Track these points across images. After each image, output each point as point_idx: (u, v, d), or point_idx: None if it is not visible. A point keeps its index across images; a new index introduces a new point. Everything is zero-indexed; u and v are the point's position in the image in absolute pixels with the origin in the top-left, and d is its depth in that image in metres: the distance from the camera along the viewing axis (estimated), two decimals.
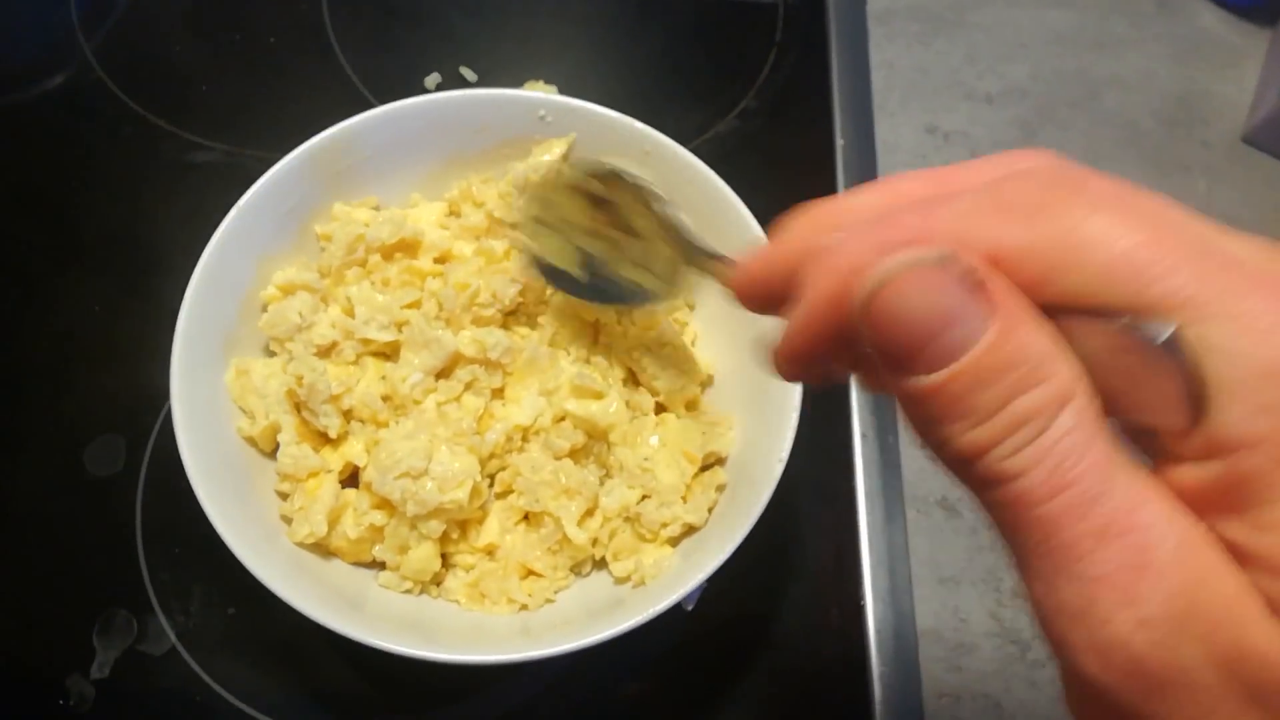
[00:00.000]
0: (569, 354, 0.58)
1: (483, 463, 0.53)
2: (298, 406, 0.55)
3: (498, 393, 0.57)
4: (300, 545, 0.53)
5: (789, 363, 0.31)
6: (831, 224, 0.29)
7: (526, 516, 0.55)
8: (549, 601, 0.55)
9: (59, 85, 0.77)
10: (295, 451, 0.53)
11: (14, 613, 0.60)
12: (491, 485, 0.55)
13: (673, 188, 0.57)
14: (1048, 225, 0.24)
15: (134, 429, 0.64)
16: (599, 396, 0.55)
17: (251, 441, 0.55)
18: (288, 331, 0.56)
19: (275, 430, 0.54)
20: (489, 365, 0.55)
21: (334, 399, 0.55)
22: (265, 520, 0.53)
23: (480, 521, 0.55)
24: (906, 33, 0.83)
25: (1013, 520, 0.24)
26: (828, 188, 0.79)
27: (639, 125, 0.59)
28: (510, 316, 0.59)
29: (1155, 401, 0.24)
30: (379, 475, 0.51)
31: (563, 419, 0.56)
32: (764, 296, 0.32)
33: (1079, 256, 0.24)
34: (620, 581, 0.55)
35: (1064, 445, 0.23)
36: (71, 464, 0.63)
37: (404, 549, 0.54)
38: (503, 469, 0.55)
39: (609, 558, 0.55)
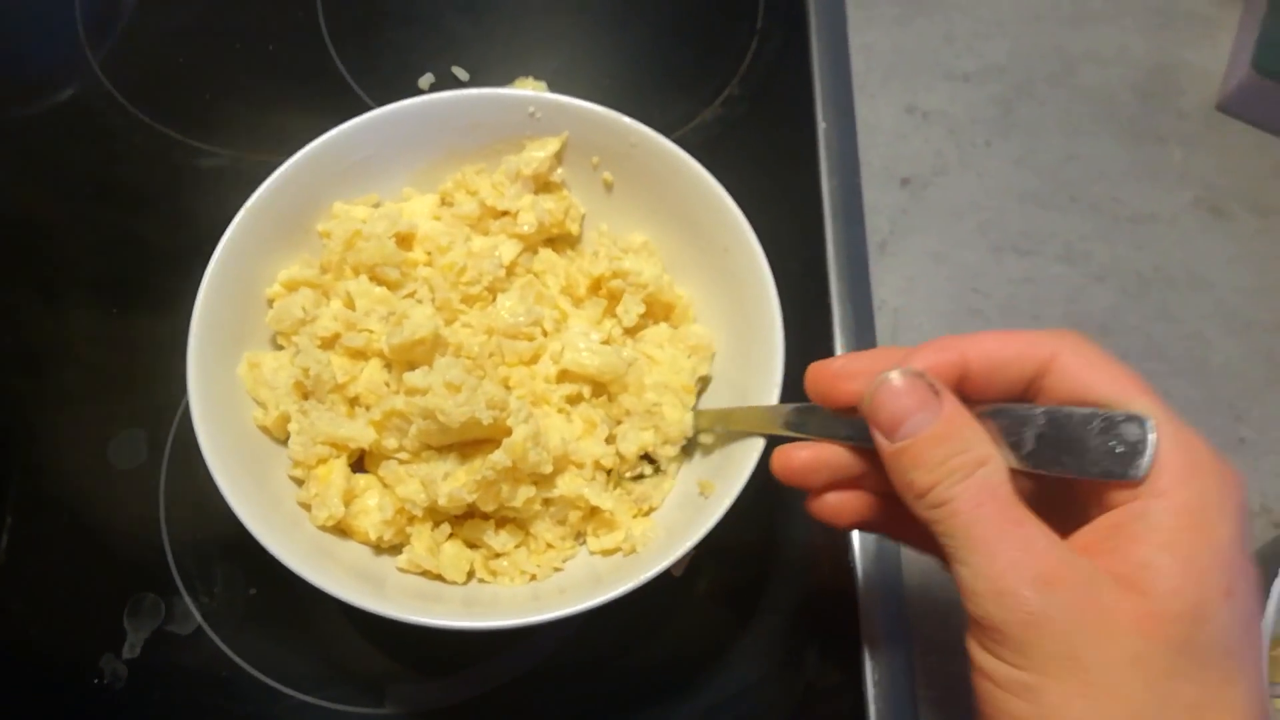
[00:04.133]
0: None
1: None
2: (305, 396, 0.58)
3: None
4: (321, 529, 0.56)
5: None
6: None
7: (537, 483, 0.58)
8: (556, 570, 0.58)
9: (68, 98, 0.80)
10: (306, 439, 0.56)
11: (49, 598, 0.63)
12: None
13: (660, 180, 0.61)
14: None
15: (155, 424, 0.68)
16: (598, 354, 0.59)
17: (265, 430, 0.58)
18: (292, 326, 0.59)
19: (286, 419, 0.57)
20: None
21: (339, 387, 0.58)
22: (283, 505, 0.57)
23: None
24: (885, 16, 0.85)
25: (949, 529, 0.39)
26: (810, 169, 0.81)
27: (625, 120, 0.61)
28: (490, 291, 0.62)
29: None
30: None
31: (563, 378, 0.60)
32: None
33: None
34: (610, 553, 0.58)
35: (980, 483, 0.39)
36: (97, 459, 0.67)
37: (433, 550, 0.57)
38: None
39: (591, 534, 0.59)
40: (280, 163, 0.59)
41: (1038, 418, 0.41)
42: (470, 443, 0.56)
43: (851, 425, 0.47)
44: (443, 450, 0.57)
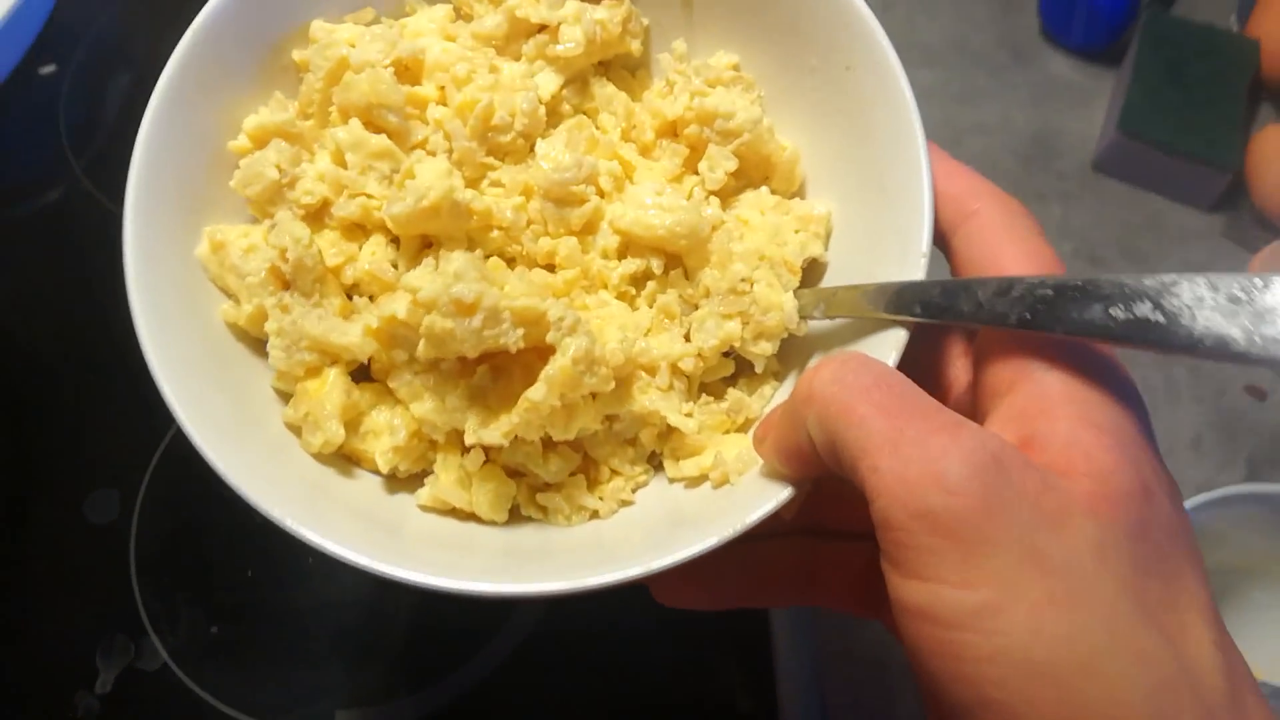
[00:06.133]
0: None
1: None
2: (286, 285, 0.43)
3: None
4: (317, 458, 0.43)
5: None
6: None
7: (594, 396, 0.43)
8: (625, 504, 0.44)
9: (55, 200, 0.84)
10: (288, 343, 0.42)
11: (28, 640, 0.67)
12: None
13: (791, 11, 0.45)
14: None
15: (127, 483, 0.71)
16: (669, 211, 0.44)
17: (238, 329, 0.44)
18: (266, 191, 0.44)
19: (265, 316, 0.43)
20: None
21: (332, 272, 0.43)
22: (267, 428, 0.43)
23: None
24: None
25: (862, 428, 0.32)
26: None
27: None
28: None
29: None
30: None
31: (626, 250, 0.45)
32: None
33: None
34: (695, 482, 0.44)
35: (888, 376, 0.33)
36: (73, 515, 0.70)
37: (464, 482, 0.43)
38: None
39: (668, 456, 0.45)
40: None
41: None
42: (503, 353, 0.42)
43: (1027, 301, 0.33)
44: (469, 364, 0.42)
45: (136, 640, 0.66)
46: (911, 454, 0.30)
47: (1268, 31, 0.97)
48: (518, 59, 0.48)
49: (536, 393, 0.39)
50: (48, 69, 0.88)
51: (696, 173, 0.47)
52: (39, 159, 0.85)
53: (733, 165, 0.46)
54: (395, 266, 0.44)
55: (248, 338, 0.45)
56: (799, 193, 0.48)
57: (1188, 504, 0.67)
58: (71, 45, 0.89)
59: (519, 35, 0.47)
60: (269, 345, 0.43)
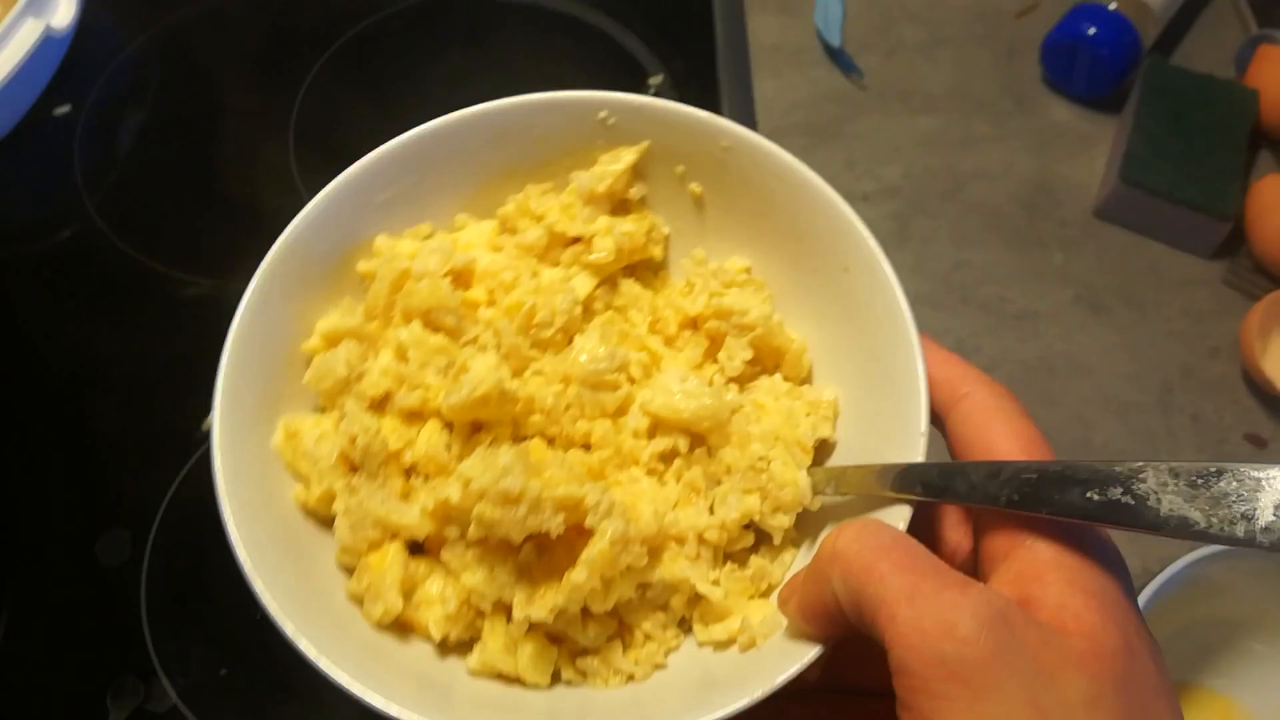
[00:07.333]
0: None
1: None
2: (353, 469, 0.48)
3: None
4: (378, 626, 0.47)
5: None
6: None
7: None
8: (658, 667, 0.48)
9: (67, 237, 0.88)
10: (353, 521, 0.47)
11: (38, 680, 0.68)
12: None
13: (759, 190, 0.52)
14: None
15: (138, 524, 0.73)
16: (693, 396, 0.49)
17: (309, 510, 0.49)
18: (336, 385, 0.49)
19: (333, 496, 0.48)
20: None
21: (393, 455, 0.48)
22: (333, 600, 0.47)
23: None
24: (793, 146, 0.87)
25: (879, 587, 0.36)
26: None
27: (717, 119, 0.52)
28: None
29: None
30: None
31: (652, 431, 0.50)
32: None
33: None
34: (723, 646, 0.48)
35: (905, 544, 0.38)
36: (85, 557, 0.72)
37: (510, 648, 0.47)
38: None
39: (697, 620, 0.49)
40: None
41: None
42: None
43: (1014, 484, 0.37)
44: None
45: (146, 681, 0.67)
46: (926, 606, 0.34)
47: (1266, 81, 0.97)
48: (556, 265, 0.54)
49: (579, 575, 0.43)
50: (62, 109, 0.92)
51: (716, 360, 0.53)
52: (52, 198, 0.89)
53: (748, 355, 0.52)
54: (449, 449, 0.49)
55: (315, 517, 0.49)
56: (807, 379, 0.54)
57: (1188, 557, 0.69)
58: (86, 87, 0.93)
59: (557, 245, 0.54)
60: (336, 523, 0.48)
